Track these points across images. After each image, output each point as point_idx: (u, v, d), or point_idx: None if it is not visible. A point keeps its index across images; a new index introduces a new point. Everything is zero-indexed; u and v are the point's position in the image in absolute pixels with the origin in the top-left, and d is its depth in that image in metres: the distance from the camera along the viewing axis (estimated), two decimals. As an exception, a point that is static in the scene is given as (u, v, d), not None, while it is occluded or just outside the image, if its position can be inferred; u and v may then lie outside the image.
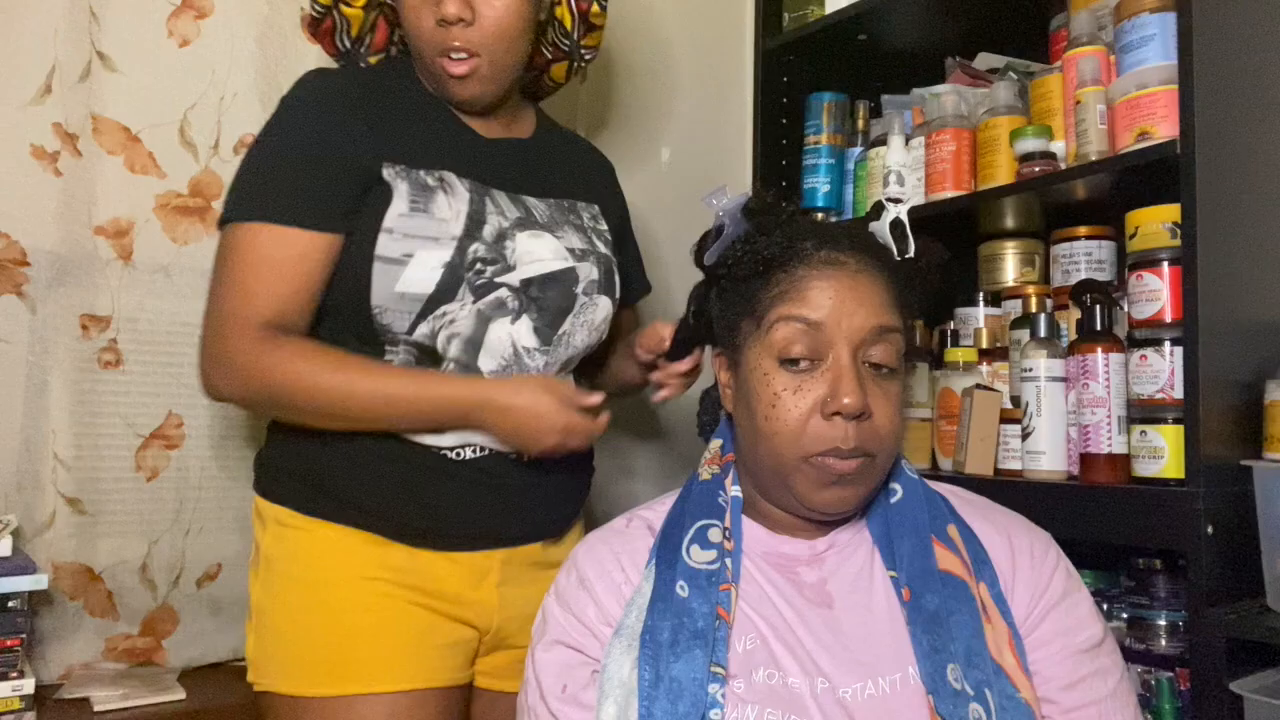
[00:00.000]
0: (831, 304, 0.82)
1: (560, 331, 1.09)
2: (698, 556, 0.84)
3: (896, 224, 0.91)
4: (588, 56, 1.24)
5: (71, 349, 1.24)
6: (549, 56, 1.23)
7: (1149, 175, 1.15)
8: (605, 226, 1.20)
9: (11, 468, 1.21)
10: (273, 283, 0.97)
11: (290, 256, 0.98)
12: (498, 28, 1.04)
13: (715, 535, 0.86)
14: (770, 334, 0.84)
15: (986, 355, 1.39)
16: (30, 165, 1.22)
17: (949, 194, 1.38)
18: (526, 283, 1.06)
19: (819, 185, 1.61)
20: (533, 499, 1.10)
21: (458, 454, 1.05)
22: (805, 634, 0.82)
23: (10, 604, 1.10)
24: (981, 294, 1.46)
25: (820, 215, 1.61)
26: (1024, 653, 0.81)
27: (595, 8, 1.19)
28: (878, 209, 0.94)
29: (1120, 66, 1.19)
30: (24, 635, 1.11)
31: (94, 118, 1.26)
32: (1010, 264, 1.49)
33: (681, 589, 0.81)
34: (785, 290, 0.84)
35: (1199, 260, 1.06)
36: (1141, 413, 1.13)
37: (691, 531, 0.86)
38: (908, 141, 1.46)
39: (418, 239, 1.00)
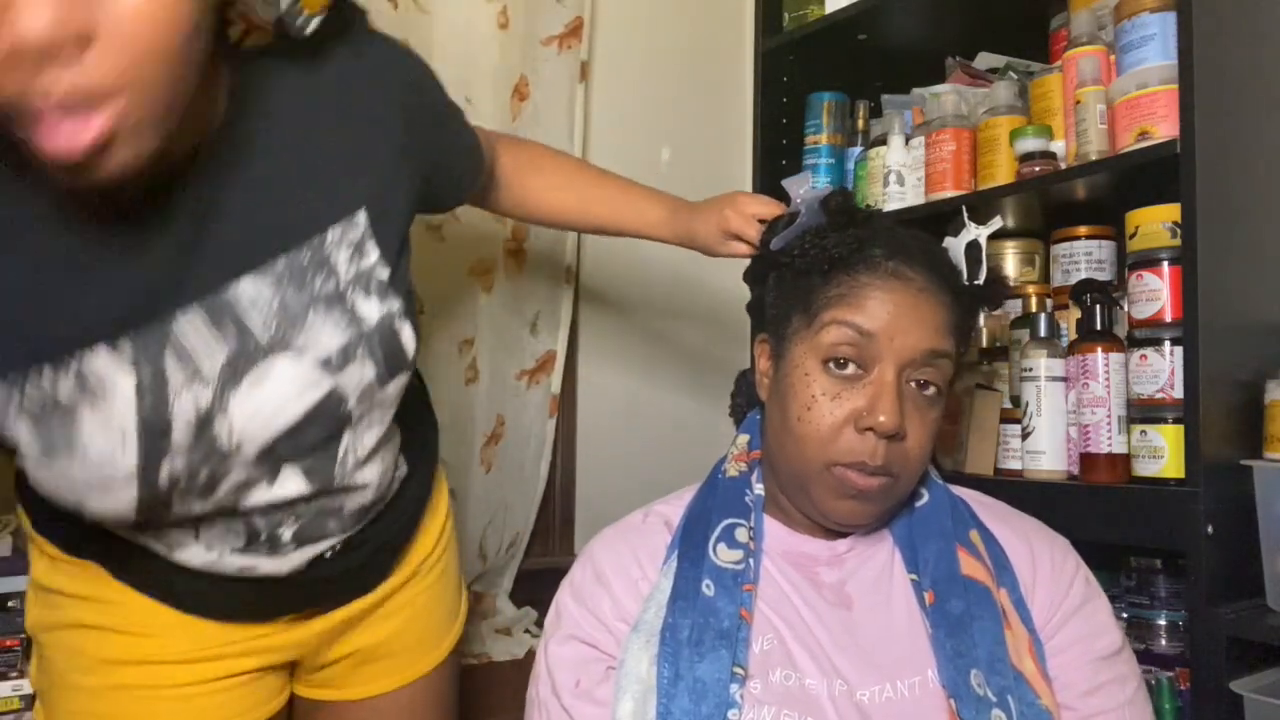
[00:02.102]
0: (888, 318, 0.80)
1: (340, 455, 0.81)
2: (724, 555, 0.83)
3: (973, 246, 0.89)
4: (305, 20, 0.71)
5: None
6: (241, 29, 0.75)
7: (1149, 175, 1.15)
8: (376, 247, 0.78)
9: (12, 468, 1.21)
10: None
11: None
12: (144, 32, 0.54)
13: (742, 535, 0.85)
14: (820, 334, 0.82)
15: (986, 355, 1.39)
16: (29, 165, 1.20)
17: (949, 194, 1.38)
18: (268, 449, 0.75)
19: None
20: (336, 581, 0.91)
21: (219, 567, 0.83)
22: (824, 635, 0.81)
23: (10, 604, 1.10)
24: (981, 294, 1.46)
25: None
26: (1044, 659, 0.81)
27: None
28: (959, 225, 0.92)
29: (1120, 66, 1.19)
30: (24, 635, 1.11)
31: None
32: (1010, 264, 1.49)
33: (708, 588, 0.81)
34: (844, 294, 0.82)
35: (1199, 260, 1.06)
36: (1141, 412, 1.13)
37: (719, 530, 0.85)
38: (908, 141, 1.46)
39: (78, 487, 0.70)
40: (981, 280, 0.88)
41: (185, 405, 0.70)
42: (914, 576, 0.84)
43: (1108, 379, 1.16)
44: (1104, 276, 1.34)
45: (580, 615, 0.85)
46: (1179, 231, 1.10)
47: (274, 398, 0.73)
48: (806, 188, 0.88)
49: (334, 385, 0.76)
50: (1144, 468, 1.12)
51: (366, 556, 0.92)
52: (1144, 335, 1.14)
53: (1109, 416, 1.16)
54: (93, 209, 0.66)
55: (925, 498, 0.89)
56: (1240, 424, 1.11)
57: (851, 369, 0.81)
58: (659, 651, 0.78)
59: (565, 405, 1.64)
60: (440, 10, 1.44)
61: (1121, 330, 1.21)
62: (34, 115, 0.53)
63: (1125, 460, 1.16)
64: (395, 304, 0.79)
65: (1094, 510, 1.14)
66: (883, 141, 1.49)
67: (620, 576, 0.86)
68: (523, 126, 1.52)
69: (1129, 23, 1.17)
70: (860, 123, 1.64)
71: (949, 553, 0.84)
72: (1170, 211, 1.13)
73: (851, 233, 0.85)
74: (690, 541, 0.85)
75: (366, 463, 0.84)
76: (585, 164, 1.19)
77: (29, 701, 1.10)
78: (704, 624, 0.79)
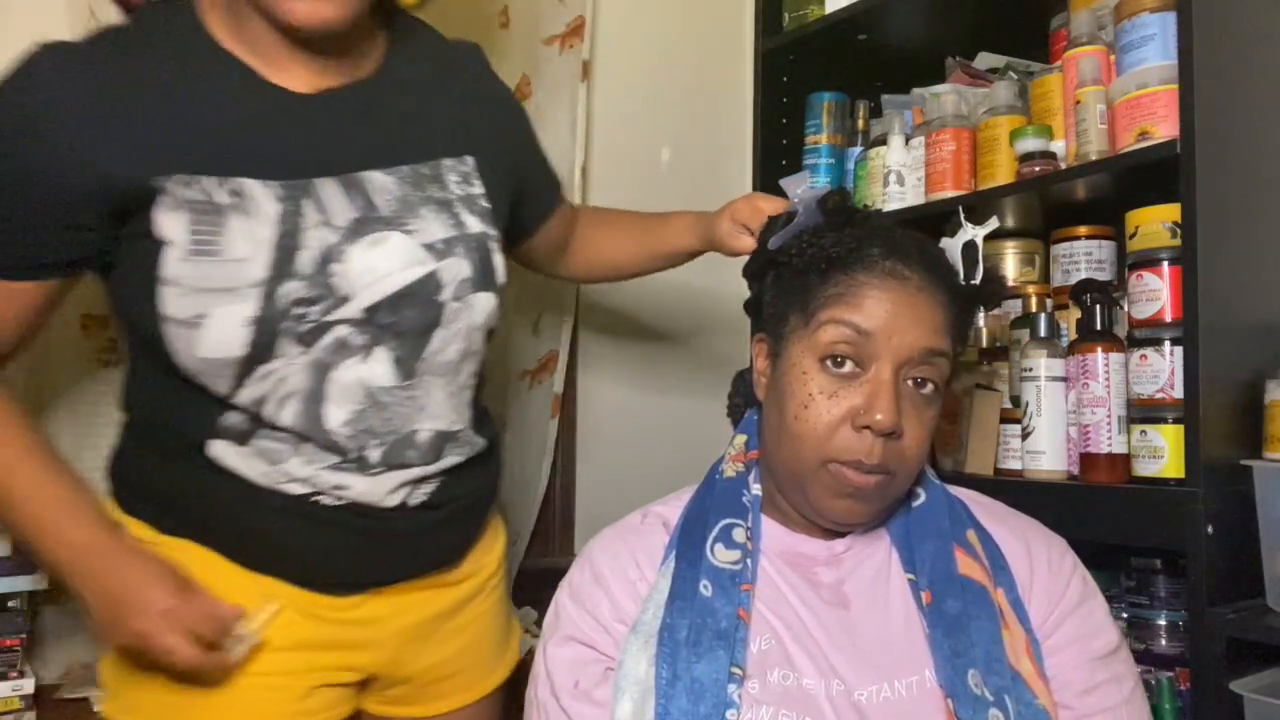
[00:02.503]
0: (886, 316, 0.81)
1: (426, 354, 0.90)
2: (722, 556, 0.83)
3: (970, 246, 0.89)
4: None
5: (71, 348, 1.24)
6: None
7: (1149, 175, 1.15)
8: (481, 188, 0.95)
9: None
10: None
11: None
12: None
13: (739, 535, 0.85)
14: (817, 333, 0.83)
15: (986, 355, 1.39)
16: (30, 165, 1.20)
17: (949, 194, 1.38)
18: (372, 310, 0.86)
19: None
20: (420, 539, 0.96)
21: (333, 500, 0.90)
22: (821, 635, 0.81)
23: (10, 604, 1.10)
24: (981, 294, 1.46)
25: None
26: (1041, 658, 0.81)
27: None
28: (955, 226, 0.92)
29: (1120, 66, 1.19)
30: (24, 635, 1.11)
31: (93, 117, 1.24)
32: (1010, 264, 1.49)
33: (705, 588, 0.81)
34: (842, 293, 0.83)
35: (1199, 260, 1.06)
36: (1141, 412, 1.13)
37: (716, 530, 0.85)
38: (908, 141, 1.46)
39: (209, 293, 0.80)
40: (978, 280, 0.88)
41: (313, 240, 0.83)
42: (911, 576, 0.85)
43: (1108, 379, 1.16)
44: (1104, 276, 1.34)
45: (579, 616, 0.85)
46: (1179, 231, 1.10)
47: (385, 261, 0.86)
48: (804, 187, 0.88)
49: (435, 269, 0.88)
50: (1144, 468, 1.12)
51: (443, 518, 0.97)
52: (1144, 335, 1.14)
53: (1109, 416, 1.16)
54: (288, 87, 0.86)
55: (922, 497, 0.89)
56: (1240, 424, 1.11)
57: (849, 368, 0.82)
58: (657, 652, 0.78)
59: (566, 405, 1.64)
60: (441, 10, 1.43)
61: (1121, 330, 1.21)
62: None
63: (1125, 460, 1.16)
64: (493, 231, 0.95)
65: (1094, 510, 1.14)
66: (883, 141, 1.49)
67: (618, 577, 0.86)
68: (523, 126, 1.52)
69: (1129, 23, 1.17)
70: (860, 123, 1.64)
71: (946, 552, 0.84)
72: (1170, 211, 1.13)
73: (849, 232, 0.85)
74: (688, 542, 0.85)
75: (444, 379, 0.92)
76: (621, 211, 1.28)
77: (29, 701, 1.10)
78: (701, 624, 0.79)
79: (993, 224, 0.91)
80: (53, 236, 0.83)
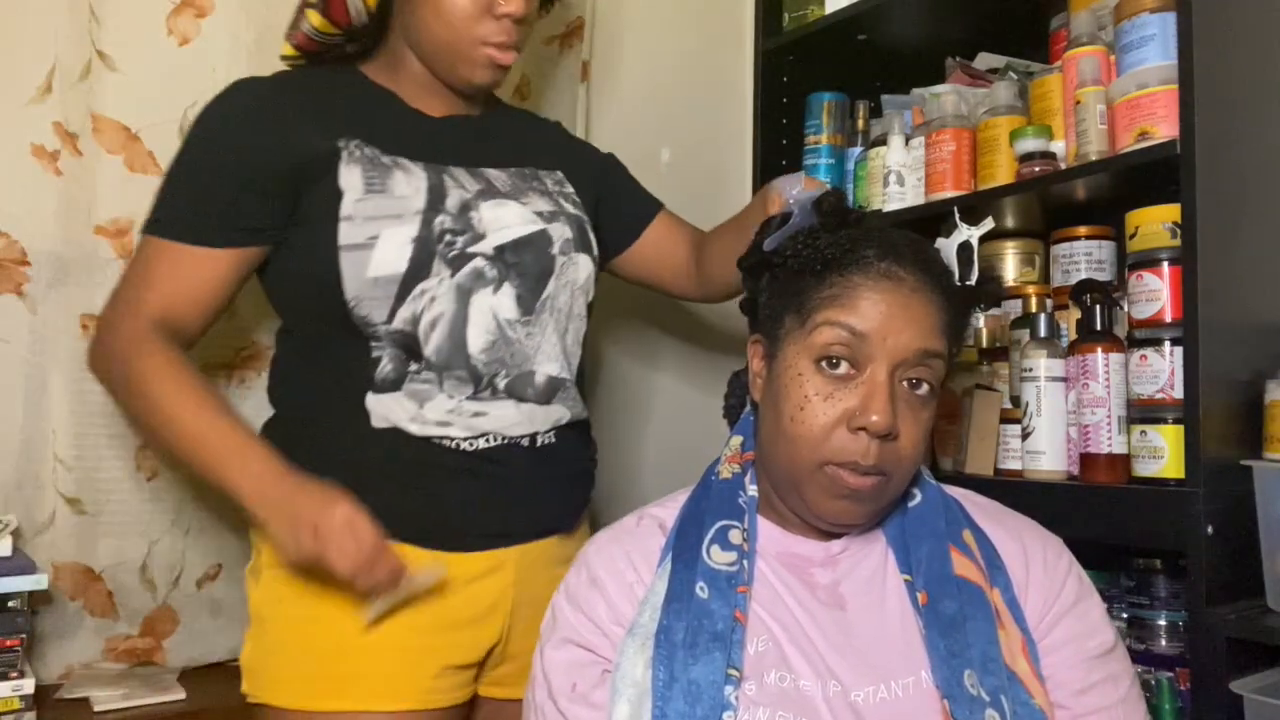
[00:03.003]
0: (881, 318, 0.81)
1: (543, 296, 1.08)
2: (718, 558, 0.83)
3: (965, 247, 0.89)
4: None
5: (71, 349, 1.24)
6: None
7: (1149, 175, 1.15)
8: (572, 189, 1.18)
9: (11, 468, 1.21)
10: (167, 292, 1.01)
11: (184, 271, 1.02)
12: (531, 24, 1.10)
13: (736, 537, 0.85)
14: (813, 335, 0.83)
15: (986, 355, 1.39)
16: (30, 165, 1.22)
17: (949, 194, 1.38)
18: (500, 249, 1.05)
19: (819, 185, 1.61)
20: (541, 491, 1.09)
21: (470, 444, 1.04)
22: (818, 636, 0.81)
23: (10, 604, 1.10)
24: (981, 294, 1.46)
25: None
26: (1037, 658, 0.81)
27: None
28: (951, 227, 0.92)
29: (1120, 66, 1.19)
30: (24, 635, 1.11)
31: (94, 117, 1.25)
32: (1010, 264, 1.49)
33: (702, 590, 0.81)
34: (837, 294, 0.83)
35: (1199, 260, 1.06)
36: (1141, 413, 1.13)
37: (712, 532, 0.85)
38: (908, 141, 1.46)
39: (379, 219, 1.00)
40: (973, 280, 0.88)
41: (454, 194, 1.05)
42: (908, 577, 0.85)
43: (1108, 379, 1.17)
44: (1104, 277, 1.34)
45: (575, 619, 0.85)
46: (1179, 231, 1.10)
47: (506, 216, 1.07)
48: (799, 188, 0.88)
49: (545, 228, 1.09)
50: (1144, 468, 1.12)
51: (558, 476, 1.10)
52: (1144, 335, 1.14)
53: (1109, 417, 1.16)
54: (415, 109, 1.12)
55: (918, 498, 0.89)
56: (1240, 424, 1.11)
57: (844, 369, 0.82)
58: (654, 654, 0.78)
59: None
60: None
61: (1121, 330, 1.21)
62: (492, 43, 1.06)
63: (1125, 460, 1.16)
64: (585, 216, 1.17)
65: (1094, 510, 1.14)
66: (883, 142, 1.49)
67: (615, 580, 0.86)
68: (523, 126, 1.52)
69: (1129, 23, 1.17)
70: (860, 123, 1.64)
71: (942, 553, 0.84)
72: (1170, 211, 1.13)
73: (844, 233, 0.85)
74: (684, 544, 0.85)
75: (555, 323, 1.10)
76: (721, 225, 1.32)
77: (29, 701, 1.10)
78: (698, 626, 0.79)
79: (988, 224, 0.91)
80: (251, 205, 1.02)
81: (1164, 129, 1.12)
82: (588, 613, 0.85)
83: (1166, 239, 1.14)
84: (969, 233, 0.89)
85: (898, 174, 1.45)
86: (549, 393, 1.09)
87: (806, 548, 0.88)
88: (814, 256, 0.84)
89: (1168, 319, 1.12)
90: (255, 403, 1.37)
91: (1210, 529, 1.04)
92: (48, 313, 1.23)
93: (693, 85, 1.83)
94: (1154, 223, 1.17)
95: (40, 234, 1.22)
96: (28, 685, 1.10)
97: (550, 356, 1.09)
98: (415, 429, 1.02)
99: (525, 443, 1.07)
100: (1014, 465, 1.27)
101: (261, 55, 1.37)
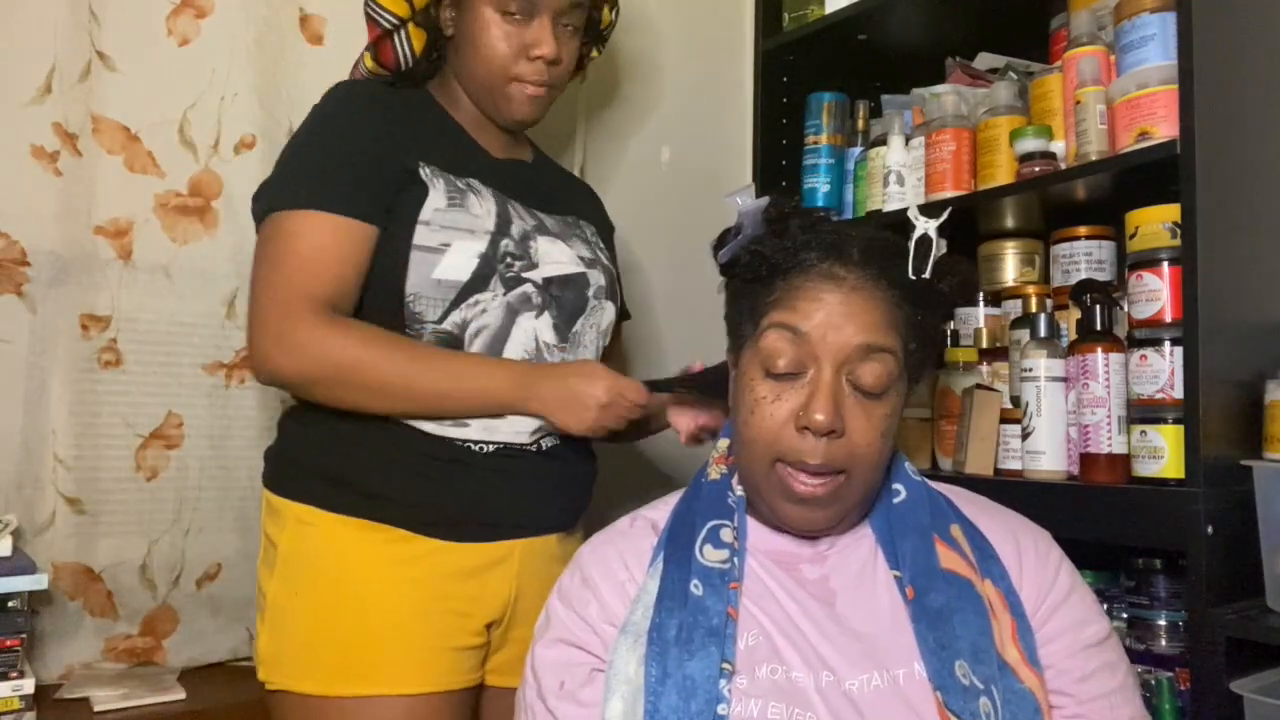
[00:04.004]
0: (821, 316, 0.82)
1: (574, 330, 1.16)
2: (711, 556, 0.84)
3: (923, 240, 0.89)
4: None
5: (71, 349, 1.24)
6: None
7: (1149, 175, 1.15)
8: (604, 245, 1.27)
9: (11, 468, 1.21)
10: (331, 265, 1.01)
11: (343, 243, 1.02)
12: (569, 67, 1.17)
13: (727, 535, 0.86)
14: (761, 339, 0.85)
15: (986, 355, 1.39)
16: (30, 165, 1.22)
17: (949, 194, 1.38)
18: (548, 281, 1.13)
19: (819, 185, 1.61)
20: (546, 488, 1.12)
21: (479, 447, 1.07)
22: (809, 628, 0.82)
23: (10, 604, 1.10)
24: (981, 294, 1.46)
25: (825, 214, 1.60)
26: (1031, 645, 0.82)
27: (606, 15, 1.27)
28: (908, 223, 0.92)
29: (1120, 66, 1.19)
30: (24, 635, 1.11)
31: (94, 117, 1.26)
32: (1010, 264, 1.49)
33: (696, 588, 0.82)
34: (780, 298, 0.85)
35: (1199, 260, 1.06)
36: (1141, 413, 1.13)
37: (704, 531, 0.86)
38: (908, 141, 1.46)
39: (455, 230, 1.06)
40: (928, 274, 0.88)
41: (517, 224, 1.12)
42: (897, 573, 0.85)
43: (1108, 379, 1.16)
44: (1104, 276, 1.34)
45: (568, 618, 0.86)
46: (1179, 231, 1.10)
47: (557, 253, 1.15)
48: (748, 200, 0.89)
49: (585, 271, 1.17)
50: (1144, 468, 1.12)
51: (565, 476, 1.14)
52: (1144, 335, 1.14)
53: (1109, 416, 1.16)
54: (482, 148, 1.18)
55: (903, 494, 0.90)
56: (1240, 424, 1.11)
57: (791, 371, 0.83)
58: (646, 651, 0.79)
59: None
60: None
61: (1121, 330, 1.21)
62: (525, 80, 1.13)
63: (1125, 460, 1.16)
64: (615, 268, 1.26)
65: (1094, 510, 1.14)
66: (883, 141, 1.49)
67: (607, 579, 0.87)
68: (523, 126, 1.52)
69: (1129, 23, 1.17)
70: (860, 123, 1.64)
71: (927, 547, 0.85)
72: (1170, 211, 1.13)
73: (788, 240, 0.87)
74: (676, 544, 0.86)
75: (585, 352, 1.17)
76: None
77: (29, 701, 1.10)
78: (693, 623, 0.79)
79: (944, 215, 0.91)
80: (379, 186, 1.05)
81: (1164, 129, 1.12)
82: (580, 611, 0.85)
83: (1166, 239, 1.14)
84: (926, 225, 0.89)
85: (898, 174, 1.45)
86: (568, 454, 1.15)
87: (794, 545, 0.88)
88: (760, 264, 0.87)
89: (1168, 319, 1.12)
90: (253, 401, 1.37)
91: (1210, 529, 1.04)
92: (48, 313, 1.23)
93: (693, 85, 1.83)
94: (1154, 223, 1.17)
95: (40, 234, 1.22)
96: (28, 685, 1.10)
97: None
98: (431, 428, 1.05)
99: (534, 448, 1.11)
100: (1014, 465, 1.27)
101: (261, 55, 1.37)
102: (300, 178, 1.04)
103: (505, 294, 1.09)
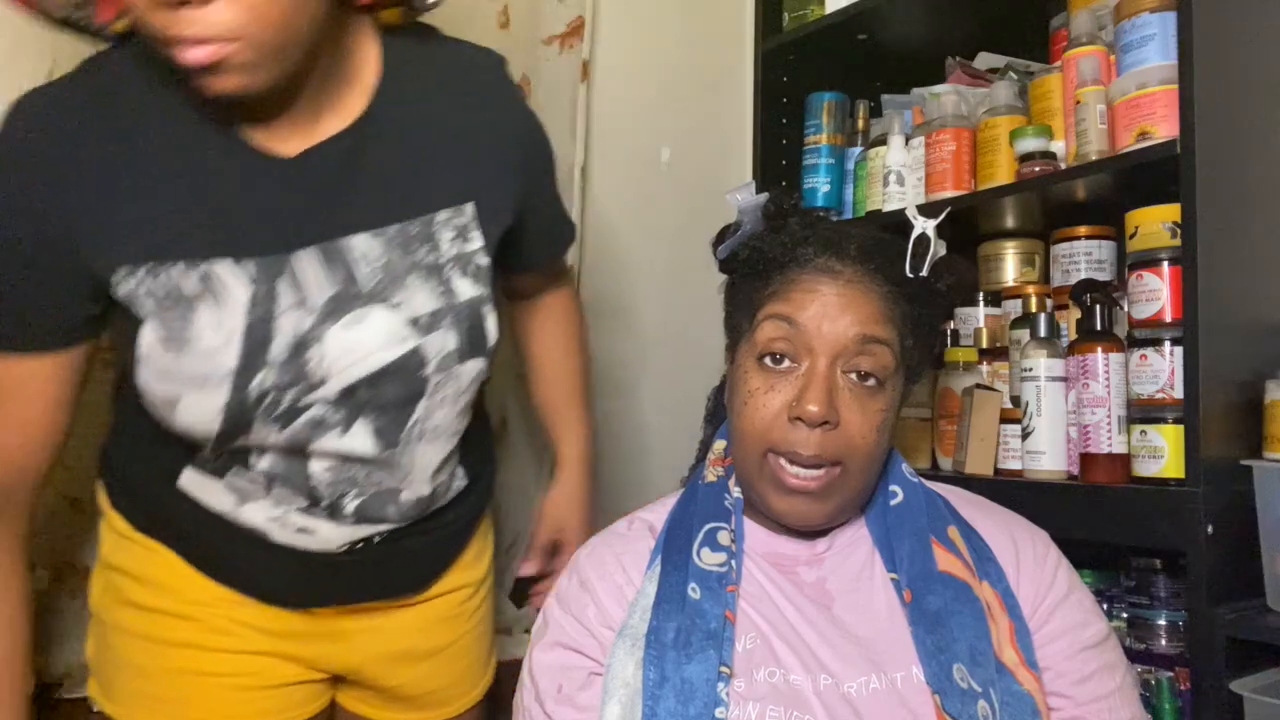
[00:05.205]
0: (817, 308, 0.82)
1: (411, 423, 0.88)
2: (708, 559, 0.84)
3: (921, 239, 0.90)
4: None
5: (71, 349, 1.23)
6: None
7: (1149, 175, 1.15)
8: (480, 237, 0.88)
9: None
10: None
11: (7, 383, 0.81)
12: (251, 4, 0.67)
13: (724, 538, 0.86)
14: (756, 332, 0.85)
15: (986, 355, 1.39)
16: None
17: (949, 194, 1.38)
18: (350, 389, 0.83)
19: (819, 185, 1.61)
20: (377, 571, 0.96)
21: (272, 537, 0.90)
22: (807, 631, 0.82)
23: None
24: (981, 294, 1.46)
25: (826, 215, 1.60)
26: (1029, 646, 0.82)
27: None
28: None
29: (1120, 66, 1.19)
30: (24, 635, 1.11)
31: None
32: (1010, 264, 1.49)
33: (694, 591, 0.81)
34: (777, 290, 0.85)
35: (1199, 260, 1.06)
36: (1141, 412, 1.13)
37: (701, 534, 0.86)
38: (908, 141, 1.46)
39: (179, 381, 0.79)
40: (925, 272, 0.88)
41: (287, 324, 0.79)
42: (894, 576, 0.85)
43: (1108, 379, 1.16)
44: (1104, 276, 1.34)
45: (566, 622, 0.85)
46: (1179, 231, 1.10)
47: (365, 341, 0.82)
48: (747, 197, 0.90)
49: (419, 345, 0.84)
50: (1144, 468, 1.12)
51: (414, 550, 0.97)
52: (1144, 335, 1.14)
53: (1109, 416, 1.16)
54: (259, 150, 0.79)
55: (900, 496, 0.90)
56: (1240, 424, 1.11)
57: (785, 362, 0.83)
58: (644, 655, 0.79)
59: (565, 405, 1.64)
60: (440, 10, 1.43)
61: (1121, 330, 1.21)
62: (174, 40, 0.68)
63: (1125, 460, 1.16)
64: (485, 291, 0.88)
65: (1094, 510, 1.14)
66: (883, 141, 1.49)
67: (605, 583, 0.86)
68: (523, 126, 1.52)
69: (1129, 23, 1.17)
70: (860, 123, 1.64)
71: (924, 549, 0.84)
72: (1170, 211, 1.13)
73: (786, 235, 0.87)
74: (673, 547, 0.86)
75: (430, 443, 0.90)
76: (568, 354, 1.16)
77: (29, 701, 1.10)
78: (691, 626, 0.79)
79: (941, 215, 0.92)
80: (52, 307, 0.80)
81: (1164, 129, 1.12)
82: (577, 615, 0.85)
83: (1166, 239, 1.14)
84: (922, 225, 0.90)
85: (898, 174, 1.45)
86: (420, 508, 0.94)
87: (791, 547, 0.88)
88: (758, 258, 0.87)
89: (1168, 319, 1.12)
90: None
91: (1210, 529, 1.04)
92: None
93: (693, 85, 1.83)
94: (1154, 222, 1.17)
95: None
96: (28, 685, 1.10)
97: (422, 478, 0.92)
98: (230, 516, 0.89)
99: (361, 545, 0.92)
100: (1014, 465, 1.27)
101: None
102: None
103: (282, 429, 0.82)
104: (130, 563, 0.94)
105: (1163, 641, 1.24)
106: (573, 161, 1.56)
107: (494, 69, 0.93)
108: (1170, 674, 1.19)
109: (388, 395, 0.85)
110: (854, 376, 0.83)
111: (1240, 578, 1.06)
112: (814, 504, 0.83)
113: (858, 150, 1.59)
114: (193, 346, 0.77)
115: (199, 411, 0.79)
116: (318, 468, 0.87)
